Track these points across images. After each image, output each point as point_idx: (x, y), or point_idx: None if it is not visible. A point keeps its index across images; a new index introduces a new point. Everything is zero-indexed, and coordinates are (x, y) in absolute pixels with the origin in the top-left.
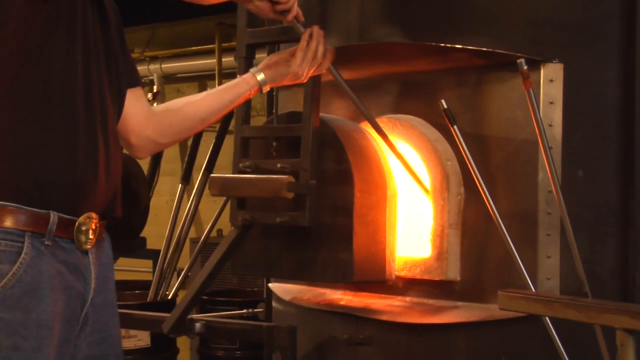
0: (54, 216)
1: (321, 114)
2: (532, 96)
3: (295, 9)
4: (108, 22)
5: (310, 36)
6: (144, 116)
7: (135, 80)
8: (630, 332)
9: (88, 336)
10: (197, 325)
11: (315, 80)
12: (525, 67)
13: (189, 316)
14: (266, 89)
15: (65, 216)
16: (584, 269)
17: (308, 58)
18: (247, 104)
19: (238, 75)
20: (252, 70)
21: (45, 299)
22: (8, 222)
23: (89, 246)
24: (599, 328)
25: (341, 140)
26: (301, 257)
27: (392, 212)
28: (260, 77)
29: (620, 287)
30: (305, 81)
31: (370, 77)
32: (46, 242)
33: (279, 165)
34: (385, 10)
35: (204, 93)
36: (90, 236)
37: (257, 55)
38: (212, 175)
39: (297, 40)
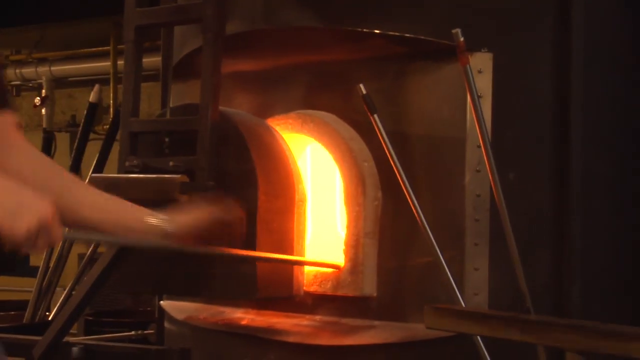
0: None
1: (222, 107)
2: (470, 74)
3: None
4: None
5: None
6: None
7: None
8: (581, 354)
9: None
10: (74, 349)
11: (215, 66)
12: (462, 39)
13: (66, 339)
14: None
15: None
16: (515, 282)
17: None
18: (135, 94)
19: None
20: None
21: None
22: None
23: None
24: (542, 350)
25: (244, 136)
26: (197, 271)
27: (300, 219)
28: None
29: (554, 302)
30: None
31: (278, 68)
32: None
33: (171, 163)
34: None
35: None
36: None
37: None
38: (92, 175)
39: (194, 20)
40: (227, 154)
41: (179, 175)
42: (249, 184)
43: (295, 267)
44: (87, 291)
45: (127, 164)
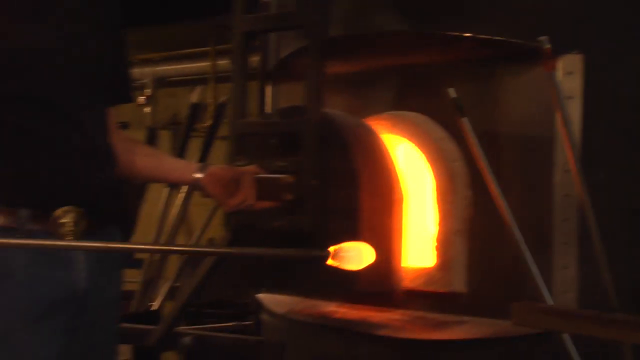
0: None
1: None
2: (555, 80)
3: None
4: None
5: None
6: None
7: None
8: None
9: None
10: (186, 339)
11: (319, 70)
12: (548, 46)
13: (176, 329)
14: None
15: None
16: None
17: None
18: (243, 97)
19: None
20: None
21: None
22: None
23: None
24: (629, 348)
25: (346, 137)
26: (300, 266)
27: (399, 217)
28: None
29: None
30: None
31: (369, 71)
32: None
33: (278, 163)
34: None
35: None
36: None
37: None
38: None
39: (298, 27)
40: (330, 154)
41: (285, 175)
42: (352, 183)
43: (395, 262)
44: (199, 281)
45: (236, 164)
